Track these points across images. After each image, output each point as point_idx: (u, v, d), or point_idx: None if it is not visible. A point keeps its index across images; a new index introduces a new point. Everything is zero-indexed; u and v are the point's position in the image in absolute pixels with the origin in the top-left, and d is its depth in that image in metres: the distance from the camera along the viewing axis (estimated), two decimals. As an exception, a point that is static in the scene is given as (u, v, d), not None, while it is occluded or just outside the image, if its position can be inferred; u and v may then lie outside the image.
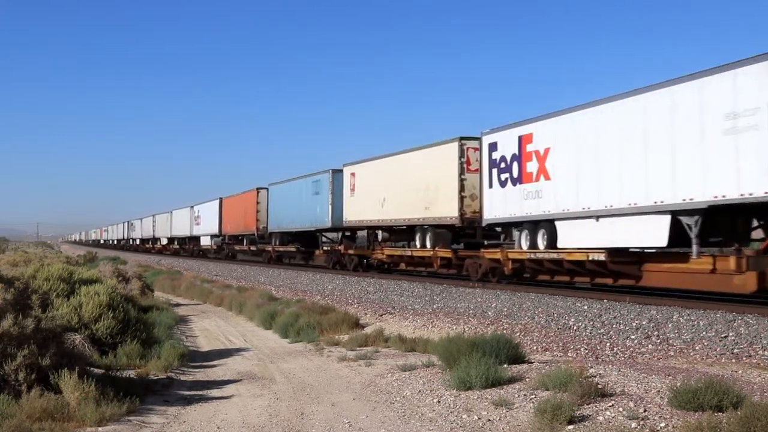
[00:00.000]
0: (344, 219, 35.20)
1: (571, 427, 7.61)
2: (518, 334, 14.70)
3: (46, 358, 9.19)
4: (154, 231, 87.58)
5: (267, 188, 47.46)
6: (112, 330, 13.19)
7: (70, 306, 13.08)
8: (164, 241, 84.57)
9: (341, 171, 35.91)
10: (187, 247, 73.05)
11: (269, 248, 46.79)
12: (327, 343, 15.54)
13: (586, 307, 16.74)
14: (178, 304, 26.73)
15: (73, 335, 11.90)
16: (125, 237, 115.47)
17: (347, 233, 37.09)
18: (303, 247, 42.75)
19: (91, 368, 10.61)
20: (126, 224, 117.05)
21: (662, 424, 7.43)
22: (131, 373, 11.65)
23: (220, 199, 58.37)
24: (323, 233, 39.88)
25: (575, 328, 14.93)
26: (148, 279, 32.26)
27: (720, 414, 7.37)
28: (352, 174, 34.83)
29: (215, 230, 59.28)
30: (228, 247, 57.76)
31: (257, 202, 47.86)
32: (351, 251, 35.79)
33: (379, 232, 33.70)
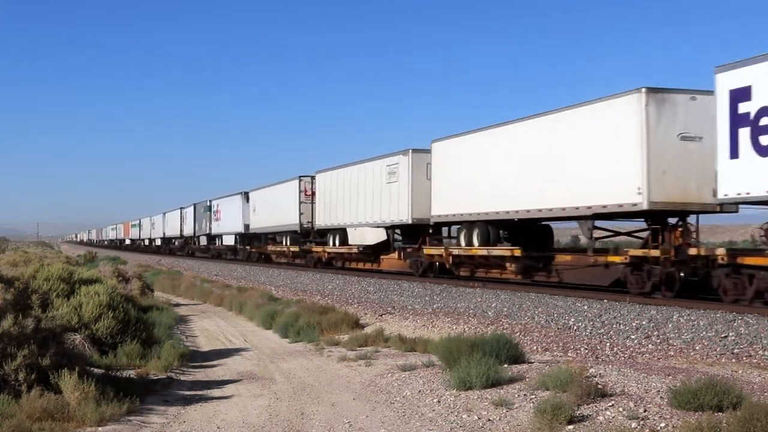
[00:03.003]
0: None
1: (571, 427, 7.62)
2: (518, 334, 14.69)
3: (46, 358, 9.19)
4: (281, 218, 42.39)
5: None
6: (112, 330, 13.19)
7: (70, 306, 13.08)
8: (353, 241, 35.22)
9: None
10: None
11: None
12: (327, 343, 15.54)
13: (586, 307, 16.74)
14: (178, 304, 26.73)
15: (73, 335, 11.90)
16: (191, 233, 65.93)
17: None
18: None
19: (91, 368, 10.62)
20: (192, 211, 64.62)
21: (662, 424, 7.44)
22: (131, 373, 11.65)
23: None
24: None
25: (575, 328, 14.93)
26: (148, 279, 32.26)
27: (720, 414, 7.38)
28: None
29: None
30: None
31: None
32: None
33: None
